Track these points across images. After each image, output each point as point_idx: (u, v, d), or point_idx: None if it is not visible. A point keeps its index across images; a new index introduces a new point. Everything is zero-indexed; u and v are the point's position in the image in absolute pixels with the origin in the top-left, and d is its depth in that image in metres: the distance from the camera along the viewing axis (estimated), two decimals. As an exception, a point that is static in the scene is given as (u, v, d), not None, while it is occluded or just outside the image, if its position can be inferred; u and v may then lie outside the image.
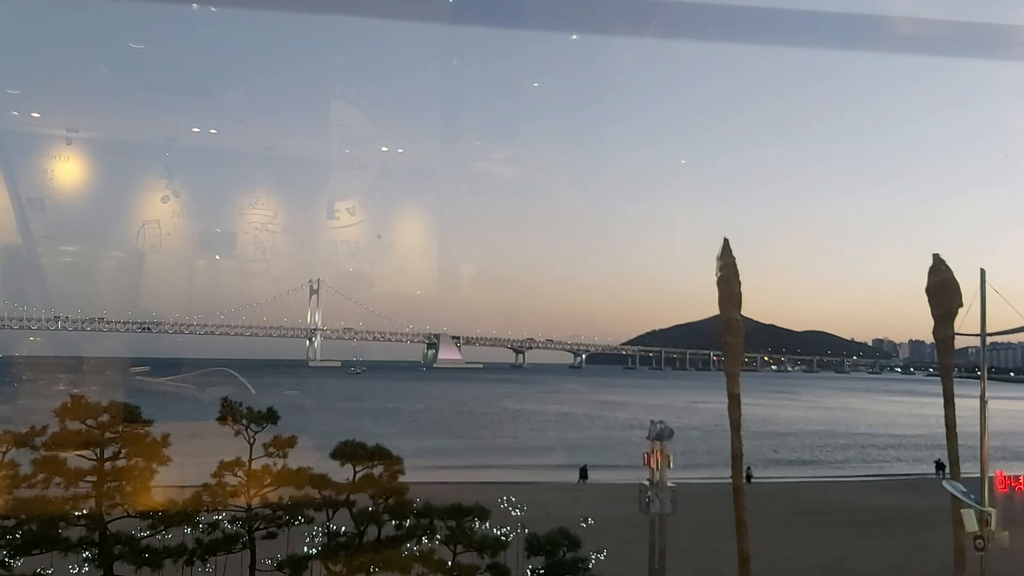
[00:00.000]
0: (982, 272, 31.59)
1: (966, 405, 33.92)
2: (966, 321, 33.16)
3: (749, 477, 72.63)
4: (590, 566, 28.86)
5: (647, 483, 31.55)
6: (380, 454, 28.99)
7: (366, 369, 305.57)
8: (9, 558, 25.14)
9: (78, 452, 26.16)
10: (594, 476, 72.54)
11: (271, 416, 28.68)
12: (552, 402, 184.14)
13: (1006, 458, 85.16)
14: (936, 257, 34.56)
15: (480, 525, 28.74)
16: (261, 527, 28.11)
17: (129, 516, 26.73)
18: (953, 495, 32.04)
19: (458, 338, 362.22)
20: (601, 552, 30.08)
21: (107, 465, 26.36)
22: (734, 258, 31.74)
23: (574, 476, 73.08)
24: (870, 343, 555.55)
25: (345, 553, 27.35)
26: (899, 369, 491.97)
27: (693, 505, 41.05)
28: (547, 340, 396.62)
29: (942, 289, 33.92)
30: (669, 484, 31.29)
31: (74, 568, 26.28)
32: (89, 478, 26.04)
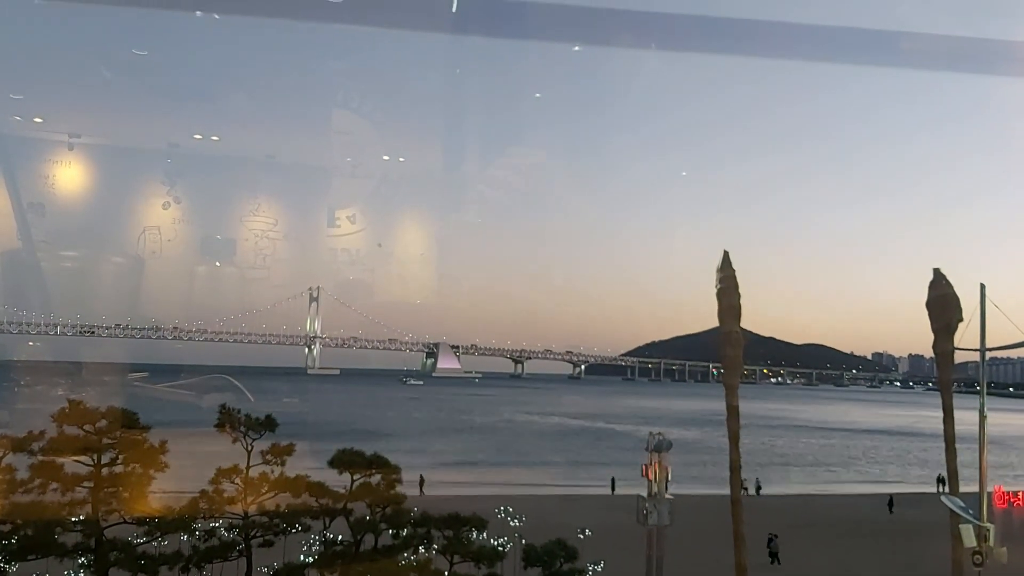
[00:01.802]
0: (982, 287, 31.61)
1: (969, 419, 33.91)
2: (966, 335, 33.18)
3: (758, 489, 72.43)
4: (587, 577, 28.81)
5: (645, 495, 31.56)
6: (378, 463, 28.95)
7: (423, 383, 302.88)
8: (5, 563, 25.06)
9: (75, 457, 26.09)
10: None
11: (269, 424, 28.65)
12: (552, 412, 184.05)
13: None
14: (936, 272, 34.58)
15: (477, 535, 28.68)
16: (258, 535, 28.03)
17: (125, 522, 26.65)
18: (952, 510, 32.00)
19: (457, 347, 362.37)
20: (599, 563, 29.98)
21: (104, 471, 26.29)
22: (734, 270, 31.76)
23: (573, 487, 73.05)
24: (869, 357, 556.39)
25: (342, 562, 27.27)
26: (898, 383, 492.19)
27: (691, 517, 40.98)
28: (546, 350, 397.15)
29: (942, 303, 33.93)
30: (667, 496, 31.26)
31: (70, 574, 26.18)
32: (86, 484, 25.97)
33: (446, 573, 27.41)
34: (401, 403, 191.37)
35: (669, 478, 31.68)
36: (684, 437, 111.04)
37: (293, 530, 28.36)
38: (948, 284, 34.14)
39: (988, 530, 30.54)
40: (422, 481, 65.94)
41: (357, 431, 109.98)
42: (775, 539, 45.63)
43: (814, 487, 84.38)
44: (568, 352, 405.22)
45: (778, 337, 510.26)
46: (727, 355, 31.85)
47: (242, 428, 28.21)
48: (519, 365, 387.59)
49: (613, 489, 70.85)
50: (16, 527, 25.21)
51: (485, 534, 28.97)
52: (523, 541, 29.75)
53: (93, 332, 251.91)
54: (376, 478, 28.63)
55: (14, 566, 25.24)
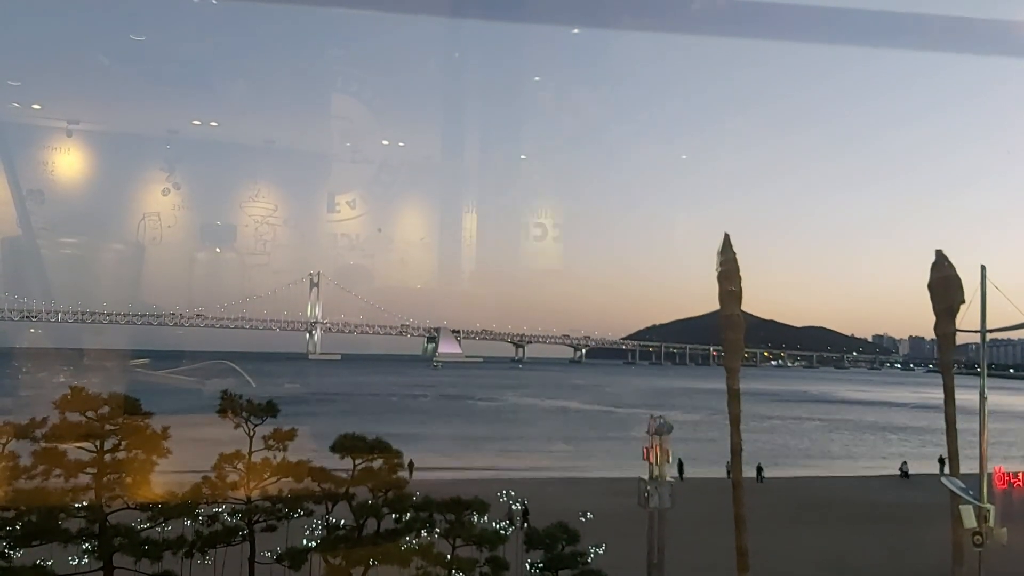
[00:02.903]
0: (983, 269, 31.62)
1: (971, 399, 33.95)
2: (966, 317, 33.24)
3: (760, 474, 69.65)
4: (589, 560, 28.88)
5: (646, 478, 31.68)
6: (380, 447, 29.01)
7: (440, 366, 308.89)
8: (9, 549, 25.15)
9: (78, 444, 26.12)
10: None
11: (271, 409, 28.69)
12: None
13: None
14: (939, 253, 34.60)
15: (479, 519, 28.77)
16: (261, 520, 28.12)
17: (129, 508, 26.71)
18: (952, 491, 32.12)
19: (458, 332, 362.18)
20: (600, 546, 30.08)
21: (107, 457, 26.32)
22: (735, 253, 31.77)
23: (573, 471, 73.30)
24: (870, 339, 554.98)
25: (344, 546, 27.37)
26: (899, 365, 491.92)
27: (695, 500, 41.16)
28: (547, 335, 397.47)
29: (944, 285, 33.98)
30: (668, 479, 31.37)
31: (73, 559, 26.24)
32: (89, 470, 26.00)
33: (448, 556, 27.52)
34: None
35: (670, 461, 31.78)
36: (700, 420, 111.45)
37: (296, 515, 28.42)
38: (950, 266, 34.18)
39: (988, 511, 30.66)
40: (411, 465, 65.81)
41: (367, 415, 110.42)
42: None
43: (816, 468, 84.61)
44: (569, 336, 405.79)
45: (778, 320, 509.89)
46: (728, 338, 31.91)
47: (244, 413, 28.24)
48: (520, 349, 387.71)
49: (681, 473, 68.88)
50: (20, 513, 25.26)
51: (487, 517, 29.07)
52: (524, 524, 29.86)
53: (94, 319, 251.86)
54: (378, 462, 28.69)
55: (18, 552, 25.32)
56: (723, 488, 34.80)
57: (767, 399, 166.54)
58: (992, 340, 36.99)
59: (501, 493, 33.07)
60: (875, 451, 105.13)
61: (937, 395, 36.34)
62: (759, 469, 68.60)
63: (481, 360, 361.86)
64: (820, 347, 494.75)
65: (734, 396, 31.43)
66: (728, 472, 64.24)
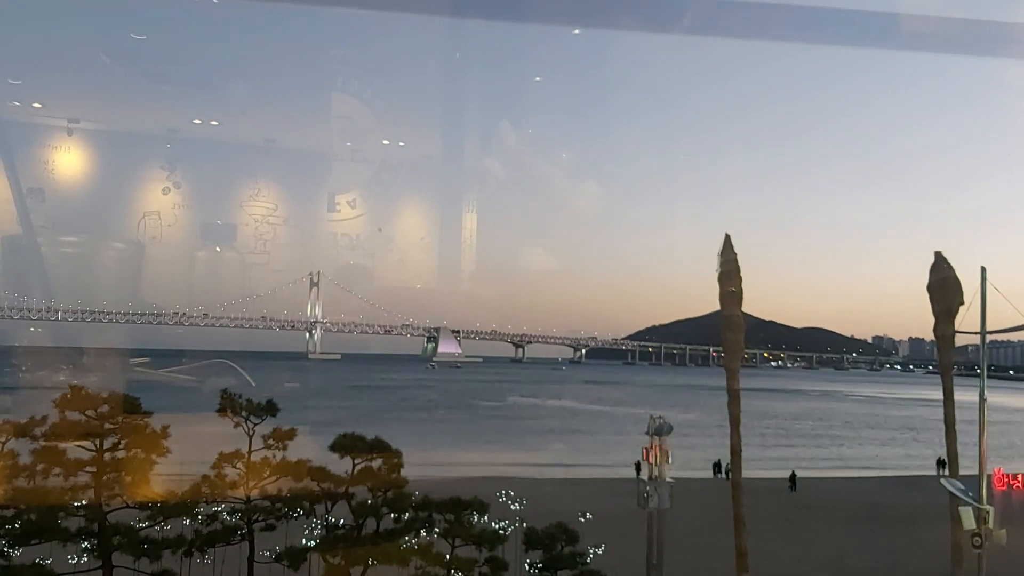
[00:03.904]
0: (983, 270, 31.61)
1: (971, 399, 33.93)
2: (966, 319, 33.24)
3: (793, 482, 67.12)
4: (588, 560, 28.87)
5: (645, 478, 31.70)
6: (379, 447, 29.00)
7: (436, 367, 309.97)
8: (8, 548, 25.15)
9: (77, 442, 26.13)
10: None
11: (271, 408, 28.68)
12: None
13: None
14: (938, 255, 34.62)
15: (478, 519, 28.77)
16: (260, 519, 28.11)
17: (128, 507, 26.72)
18: (951, 492, 32.13)
19: (458, 332, 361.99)
20: (599, 546, 30.06)
21: (106, 456, 26.32)
22: (735, 254, 31.78)
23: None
24: (870, 340, 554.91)
25: (344, 545, 27.37)
26: (899, 366, 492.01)
27: (693, 500, 41.09)
28: (547, 335, 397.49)
29: (943, 287, 34.00)
30: (668, 479, 31.37)
31: (73, 558, 26.26)
32: (88, 468, 26.01)
33: (447, 556, 27.52)
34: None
35: (669, 461, 31.77)
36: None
37: (295, 514, 28.42)
38: (950, 267, 34.20)
39: (988, 512, 30.65)
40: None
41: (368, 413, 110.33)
42: None
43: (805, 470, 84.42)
44: (569, 336, 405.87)
45: (779, 321, 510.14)
46: (728, 339, 31.91)
47: (243, 413, 28.24)
48: (520, 349, 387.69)
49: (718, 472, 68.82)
50: (19, 512, 25.27)
51: (486, 518, 29.06)
52: (524, 524, 29.84)
53: (94, 318, 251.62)
54: (378, 462, 28.69)
55: (18, 551, 25.32)
56: (752, 488, 34.70)
57: (768, 397, 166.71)
58: (992, 342, 37.04)
59: (500, 493, 33.02)
60: (878, 451, 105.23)
61: (936, 396, 36.37)
62: (792, 477, 66.75)
63: (481, 360, 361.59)
64: (820, 348, 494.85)
65: (734, 397, 31.43)
66: (726, 474, 64.14)
